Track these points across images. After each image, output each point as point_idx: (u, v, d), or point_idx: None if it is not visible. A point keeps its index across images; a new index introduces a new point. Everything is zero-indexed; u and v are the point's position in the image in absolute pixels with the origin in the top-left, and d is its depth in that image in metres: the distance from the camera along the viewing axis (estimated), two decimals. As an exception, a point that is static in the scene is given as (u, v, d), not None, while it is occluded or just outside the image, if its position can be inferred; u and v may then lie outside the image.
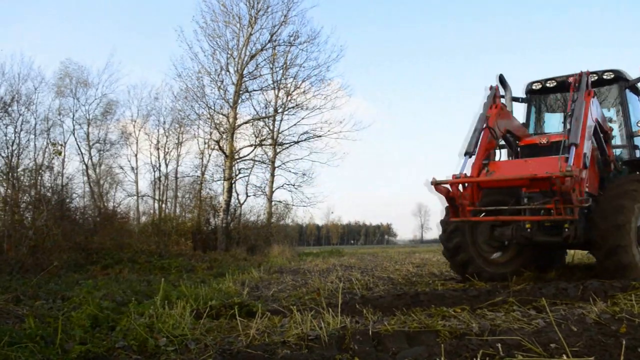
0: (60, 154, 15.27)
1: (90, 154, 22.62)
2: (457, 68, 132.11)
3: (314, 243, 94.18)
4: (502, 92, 6.20)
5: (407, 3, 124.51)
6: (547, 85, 6.64)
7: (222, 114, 18.07)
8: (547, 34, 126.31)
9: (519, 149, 6.06)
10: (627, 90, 6.49)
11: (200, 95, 17.91)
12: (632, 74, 6.55)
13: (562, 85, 6.42)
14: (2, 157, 16.83)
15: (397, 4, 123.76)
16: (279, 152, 21.31)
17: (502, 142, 6.38)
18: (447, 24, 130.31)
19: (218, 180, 20.20)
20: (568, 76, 6.15)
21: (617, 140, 6.54)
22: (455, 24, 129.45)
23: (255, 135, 19.29)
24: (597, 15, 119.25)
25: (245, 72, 17.76)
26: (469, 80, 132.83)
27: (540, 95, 7.03)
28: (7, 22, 57.10)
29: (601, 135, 5.76)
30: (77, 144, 22.25)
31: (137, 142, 23.86)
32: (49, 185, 11.83)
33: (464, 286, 5.37)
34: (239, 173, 19.18)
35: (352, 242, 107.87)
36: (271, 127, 20.73)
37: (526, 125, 6.93)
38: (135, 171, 23.86)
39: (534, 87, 6.82)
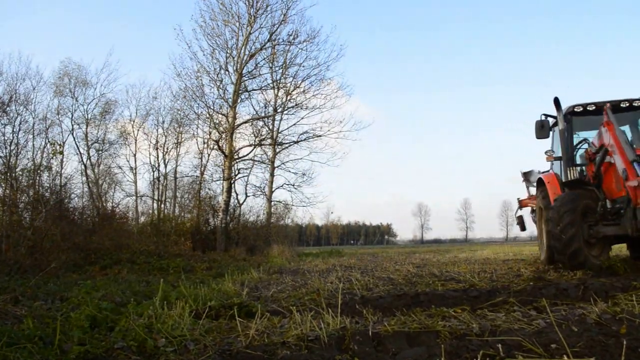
0: (61, 153, 15.27)
1: (88, 154, 22.61)
2: (457, 68, 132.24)
3: (313, 243, 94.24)
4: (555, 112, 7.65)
5: (406, 4, 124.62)
6: (588, 108, 7.76)
7: (221, 114, 18.09)
8: (544, 36, 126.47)
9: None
10: None
11: (200, 94, 17.93)
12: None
13: (600, 109, 7.44)
14: (0, 157, 16.81)
15: (396, 4, 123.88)
16: (279, 152, 21.32)
17: (557, 155, 7.97)
18: (447, 25, 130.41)
19: (217, 180, 20.23)
20: (605, 102, 7.48)
21: None
22: (454, 24, 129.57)
23: (254, 135, 19.31)
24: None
25: (244, 71, 17.77)
26: (468, 81, 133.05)
27: (579, 117, 8.02)
28: (6, 21, 57.09)
29: None
30: (76, 144, 22.26)
31: (135, 142, 23.86)
32: (48, 185, 11.83)
33: (464, 287, 5.37)
34: (239, 173, 19.20)
35: (352, 242, 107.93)
36: (271, 127, 20.76)
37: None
38: (134, 171, 23.86)
39: (575, 110, 7.85)
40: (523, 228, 12.74)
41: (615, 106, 7.51)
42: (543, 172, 9.59)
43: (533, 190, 11.76)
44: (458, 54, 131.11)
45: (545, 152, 8.17)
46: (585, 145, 7.85)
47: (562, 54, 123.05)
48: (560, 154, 8.07)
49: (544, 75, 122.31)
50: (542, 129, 7.74)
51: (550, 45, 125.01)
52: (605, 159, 6.77)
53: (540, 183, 8.89)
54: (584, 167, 7.70)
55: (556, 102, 7.69)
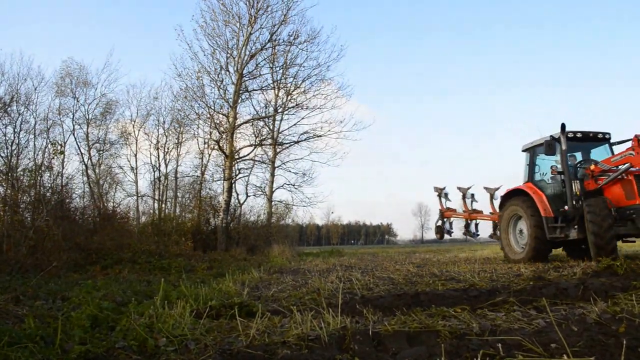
0: (62, 153, 15.25)
1: (89, 154, 22.66)
2: (458, 69, 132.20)
3: (314, 243, 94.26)
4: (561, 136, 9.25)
5: (407, 4, 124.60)
6: (577, 135, 9.55)
7: (222, 114, 18.09)
8: (544, 38, 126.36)
9: (628, 176, 8.42)
10: None
11: (200, 94, 17.93)
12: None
13: (586, 136, 9.66)
14: (2, 157, 16.84)
15: (395, 5, 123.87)
16: (279, 152, 21.34)
17: (562, 169, 9.38)
18: (446, 26, 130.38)
19: (218, 180, 20.27)
20: (590, 132, 9.66)
21: None
22: (453, 26, 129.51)
23: (255, 135, 19.31)
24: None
25: (245, 71, 17.77)
26: (469, 81, 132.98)
27: (568, 141, 9.57)
28: (7, 21, 57.11)
29: None
30: (77, 144, 22.30)
31: (136, 142, 23.90)
32: (49, 185, 11.81)
33: (464, 286, 5.38)
34: (239, 173, 19.21)
35: (352, 242, 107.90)
36: (271, 127, 20.77)
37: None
38: (135, 171, 23.89)
39: (568, 135, 9.41)
40: (442, 237, 14.20)
41: (586, 136, 9.65)
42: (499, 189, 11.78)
43: (449, 204, 14.07)
44: (458, 54, 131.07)
45: (551, 167, 9.63)
46: (585, 164, 9.40)
47: (562, 56, 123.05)
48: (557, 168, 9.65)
49: (545, 76, 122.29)
50: (550, 148, 9.19)
51: (550, 46, 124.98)
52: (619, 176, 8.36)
53: (515, 193, 10.35)
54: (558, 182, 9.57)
55: (562, 127, 9.25)
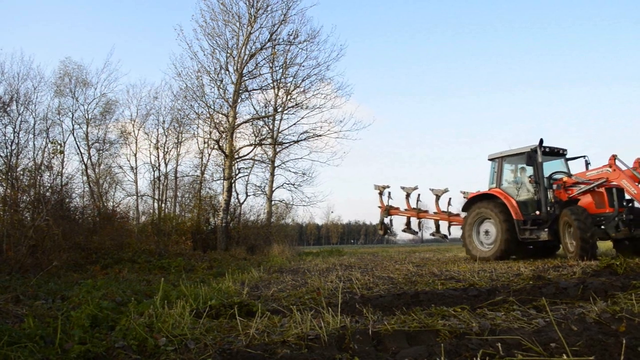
0: (62, 152, 15.25)
1: (89, 153, 22.65)
2: (459, 71, 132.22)
3: (313, 242, 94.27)
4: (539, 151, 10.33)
5: (406, 5, 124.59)
6: (546, 150, 10.63)
7: (221, 114, 18.06)
8: (544, 41, 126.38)
9: (600, 188, 9.54)
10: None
11: (200, 94, 17.89)
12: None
13: (551, 151, 10.87)
14: (1, 156, 16.83)
15: (395, 5, 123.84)
16: (279, 151, 21.34)
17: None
18: (445, 29, 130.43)
19: (218, 180, 20.27)
20: (554, 147, 10.83)
21: None
22: (452, 28, 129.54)
23: (255, 135, 19.27)
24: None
25: (244, 71, 17.74)
26: (469, 82, 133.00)
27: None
28: (7, 21, 57.07)
29: None
30: (77, 144, 22.30)
31: (136, 142, 23.88)
32: (49, 185, 11.78)
33: (463, 286, 5.38)
34: (239, 172, 19.19)
35: (352, 241, 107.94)
36: (271, 127, 20.75)
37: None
38: (135, 171, 23.88)
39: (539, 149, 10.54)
40: (385, 233, 15.11)
41: (551, 151, 10.75)
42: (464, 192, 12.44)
43: (391, 202, 14.88)
44: (458, 54, 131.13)
45: (529, 177, 10.51)
46: (558, 176, 10.43)
47: (562, 60, 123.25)
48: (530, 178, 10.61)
49: (545, 79, 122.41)
50: (530, 159, 10.24)
51: (550, 50, 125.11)
52: (594, 188, 9.46)
53: (481, 198, 11.23)
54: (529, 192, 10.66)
55: (540, 142, 10.37)
